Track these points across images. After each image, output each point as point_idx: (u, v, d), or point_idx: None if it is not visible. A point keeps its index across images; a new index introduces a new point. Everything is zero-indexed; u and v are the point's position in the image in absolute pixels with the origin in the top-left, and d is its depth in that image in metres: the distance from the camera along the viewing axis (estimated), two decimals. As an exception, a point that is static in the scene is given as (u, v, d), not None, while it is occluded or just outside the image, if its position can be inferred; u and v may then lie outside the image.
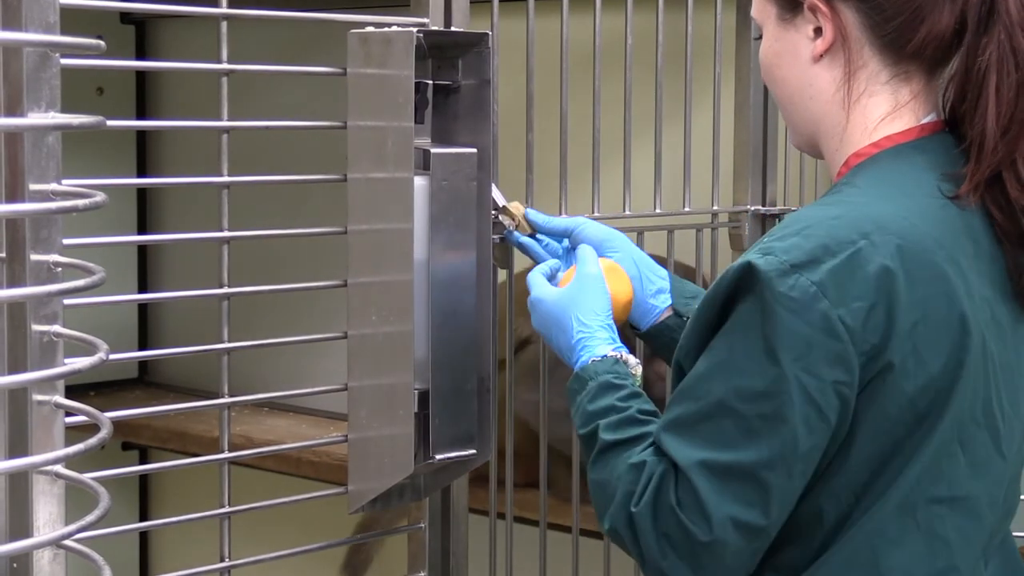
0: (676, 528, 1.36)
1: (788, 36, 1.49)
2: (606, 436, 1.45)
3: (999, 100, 1.39)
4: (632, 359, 1.55)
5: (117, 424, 1.07)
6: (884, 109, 1.46)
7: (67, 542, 0.99)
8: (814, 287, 1.32)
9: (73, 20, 1.12)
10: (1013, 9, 1.40)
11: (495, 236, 1.76)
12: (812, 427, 1.33)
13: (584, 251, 1.67)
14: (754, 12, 1.55)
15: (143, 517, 3.65)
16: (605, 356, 1.54)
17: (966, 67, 1.42)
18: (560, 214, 2.04)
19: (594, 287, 1.61)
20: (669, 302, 1.72)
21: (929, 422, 1.36)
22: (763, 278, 1.33)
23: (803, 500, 1.38)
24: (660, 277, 1.73)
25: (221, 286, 1.67)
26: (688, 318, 1.63)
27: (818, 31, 1.47)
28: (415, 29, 1.63)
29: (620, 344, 1.57)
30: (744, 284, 1.35)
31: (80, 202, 0.96)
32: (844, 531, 1.38)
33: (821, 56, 1.47)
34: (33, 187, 1.03)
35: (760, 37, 1.55)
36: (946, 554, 1.39)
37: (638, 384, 1.53)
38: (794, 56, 1.49)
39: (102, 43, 1.00)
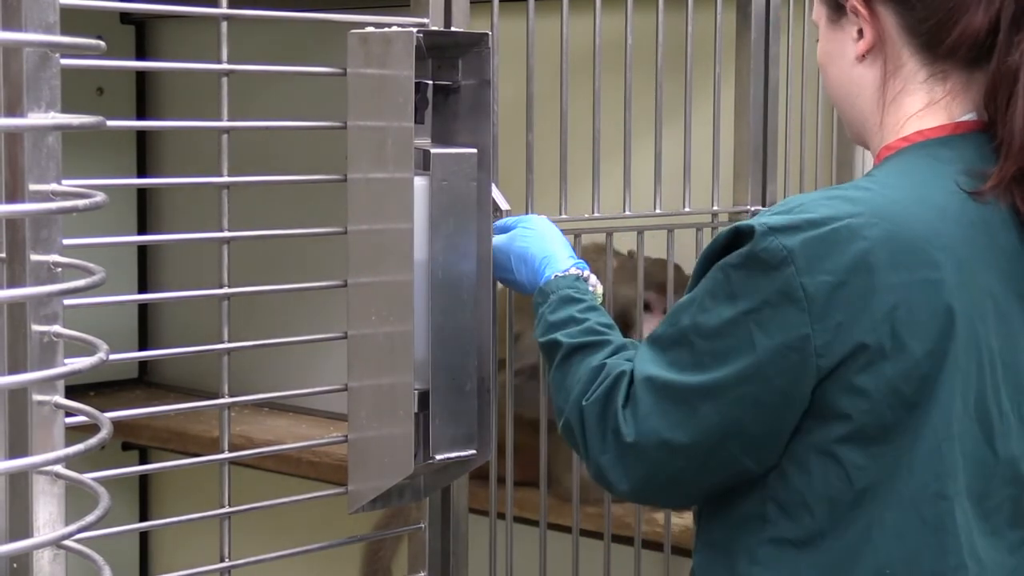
0: (614, 424, 1.47)
1: (836, 37, 1.55)
2: (566, 341, 1.57)
3: None
4: (593, 277, 1.69)
5: (117, 424, 1.07)
6: (917, 106, 1.50)
7: (67, 542, 0.99)
8: (784, 251, 1.37)
9: (73, 20, 1.12)
10: None
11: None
12: (749, 376, 1.40)
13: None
14: (814, 15, 1.61)
15: (143, 517, 3.65)
16: (567, 272, 1.68)
17: (997, 66, 1.45)
18: (560, 214, 2.04)
19: (547, 224, 1.78)
20: None
21: (920, 412, 1.38)
22: (744, 237, 1.41)
23: (786, 472, 1.42)
24: None
25: (221, 286, 1.67)
26: None
27: (861, 32, 1.52)
28: (415, 29, 1.63)
29: (581, 262, 1.71)
30: (730, 243, 1.43)
31: (80, 202, 0.96)
32: (842, 517, 1.40)
33: (863, 56, 1.52)
34: (33, 187, 1.02)
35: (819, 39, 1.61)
36: (957, 551, 1.40)
37: (599, 301, 1.66)
38: (841, 56, 1.55)
39: (102, 43, 1.00)
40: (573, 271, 1.68)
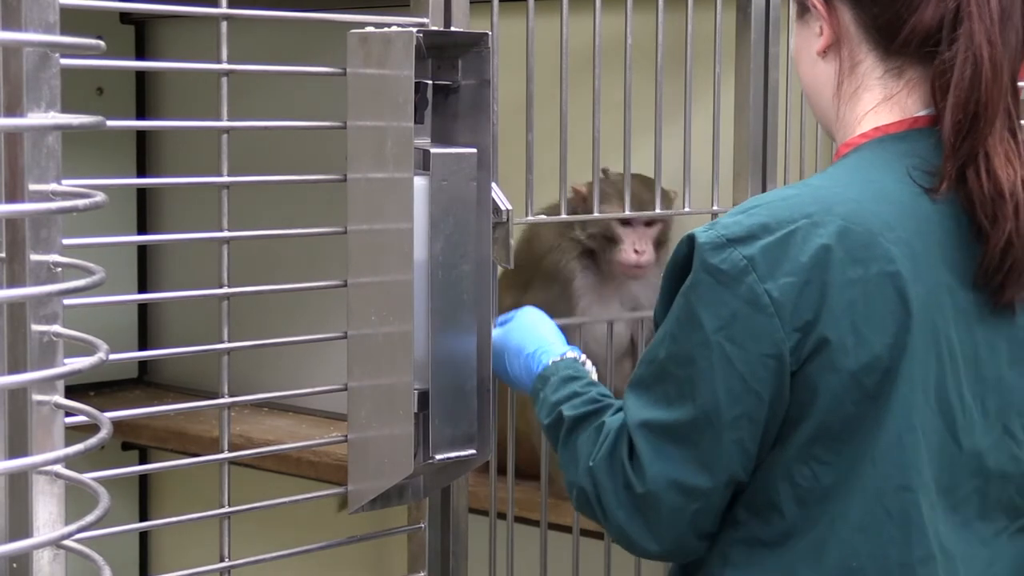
0: (624, 479, 1.43)
1: (803, 34, 1.57)
2: (569, 413, 1.54)
3: (958, 97, 1.42)
4: (588, 361, 1.67)
5: (117, 424, 1.07)
6: (873, 101, 1.50)
7: (67, 542, 0.99)
8: (744, 261, 1.37)
9: (73, 20, 1.12)
10: (975, 8, 1.43)
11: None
12: (736, 396, 1.38)
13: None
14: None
15: (143, 517, 3.65)
16: (564, 355, 1.67)
17: (937, 62, 1.45)
18: (560, 214, 2.04)
19: (538, 314, 1.78)
20: None
21: (881, 404, 1.38)
22: (699, 250, 1.40)
23: (758, 475, 1.41)
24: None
25: (221, 286, 1.67)
26: None
27: (822, 29, 1.52)
28: (415, 29, 1.63)
29: (575, 348, 1.70)
30: (688, 254, 1.42)
31: (80, 202, 0.96)
32: (809, 514, 1.40)
33: (824, 52, 1.53)
34: (33, 187, 1.02)
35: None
36: (923, 542, 1.40)
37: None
38: (807, 53, 1.56)
39: (102, 43, 1.00)
40: (570, 354, 1.67)
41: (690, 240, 1.41)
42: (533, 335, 1.73)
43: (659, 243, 2.47)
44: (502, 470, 2.12)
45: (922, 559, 1.40)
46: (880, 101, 1.49)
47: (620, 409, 1.51)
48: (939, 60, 1.44)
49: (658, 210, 2.16)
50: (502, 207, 1.77)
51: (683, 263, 1.43)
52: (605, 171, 2.25)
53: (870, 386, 1.38)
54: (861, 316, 1.37)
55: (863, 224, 1.39)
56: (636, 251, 2.40)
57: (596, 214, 2.08)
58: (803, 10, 1.55)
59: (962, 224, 1.44)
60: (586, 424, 1.52)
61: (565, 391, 1.59)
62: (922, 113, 1.48)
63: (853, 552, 1.40)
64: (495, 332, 1.75)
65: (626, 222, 2.41)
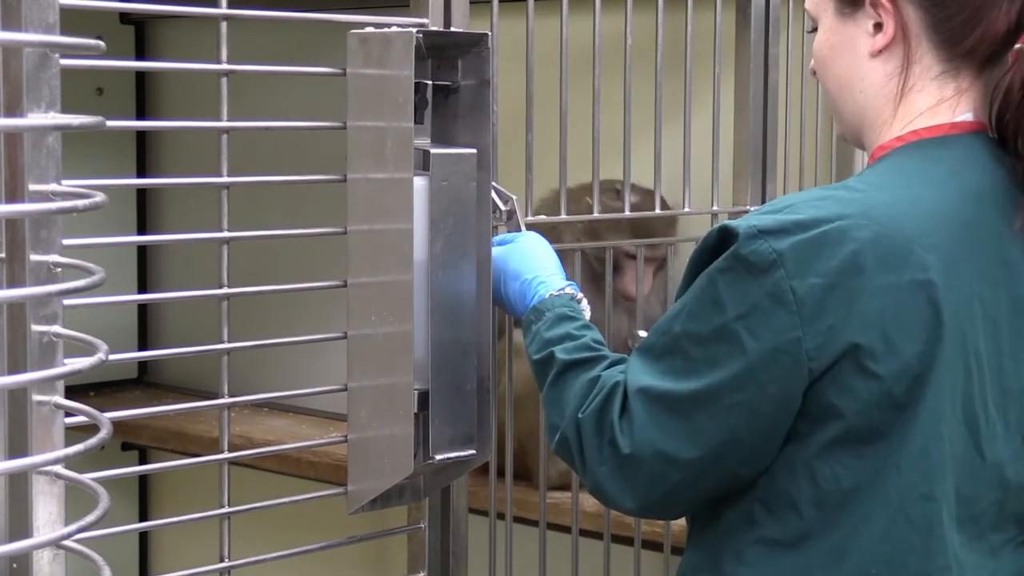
0: (611, 436, 1.45)
1: (846, 30, 1.53)
2: (563, 357, 1.56)
3: None
4: (584, 300, 1.68)
5: (117, 424, 1.07)
6: (927, 103, 1.49)
7: (67, 542, 0.99)
8: (774, 254, 1.37)
9: (73, 20, 1.12)
10: None
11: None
12: (740, 383, 1.38)
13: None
14: (809, 5, 1.58)
15: (143, 517, 3.65)
16: (563, 291, 1.67)
17: (1015, 69, 1.45)
18: (560, 214, 2.04)
19: (540, 241, 1.77)
20: None
21: (909, 412, 1.38)
22: (730, 238, 1.40)
23: (776, 473, 1.41)
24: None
25: (221, 286, 1.67)
26: None
27: (878, 26, 1.50)
28: (415, 29, 1.63)
29: (574, 284, 1.70)
30: (719, 244, 1.42)
31: (80, 202, 0.96)
32: (828, 517, 1.40)
33: (880, 51, 1.50)
34: (33, 187, 1.02)
35: (813, 30, 1.59)
36: (943, 552, 1.40)
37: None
38: (851, 50, 1.52)
39: (102, 43, 1.00)
40: (568, 291, 1.67)
41: (723, 229, 1.41)
42: (532, 261, 1.72)
43: (658, 268, 2.50)
44: (501, 472, 2.12)
45: (940, 569, 1.40)
46: (934, 104, 1.48)
47: (614, 363, 1.53)
48: (1018, 65, 1.44)
49: (657, 209, 2.16)
50: (502, 207, 1.77)
51: (712, 250, 1.43)
52: (618, 191, 2.25)
53: (899, 394, 1.37)
54: (891, 323, 1.36)
55: (898, 230, 1.38)
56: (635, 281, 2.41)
57: (596, 214, 2.08)
58: (851, 6, 1.51)
59: (1013, 238, 1.44)
60: (578, 371, 1.53)
61: (559, 330, 1.59)
62: (961, 119, 1.48)
63: (873, 559, 1.39)
64: (495, 251, 1.74)
65: (630, 255, 2.42)
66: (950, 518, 1.41)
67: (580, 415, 1.49)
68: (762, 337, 1.37)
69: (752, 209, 2.27)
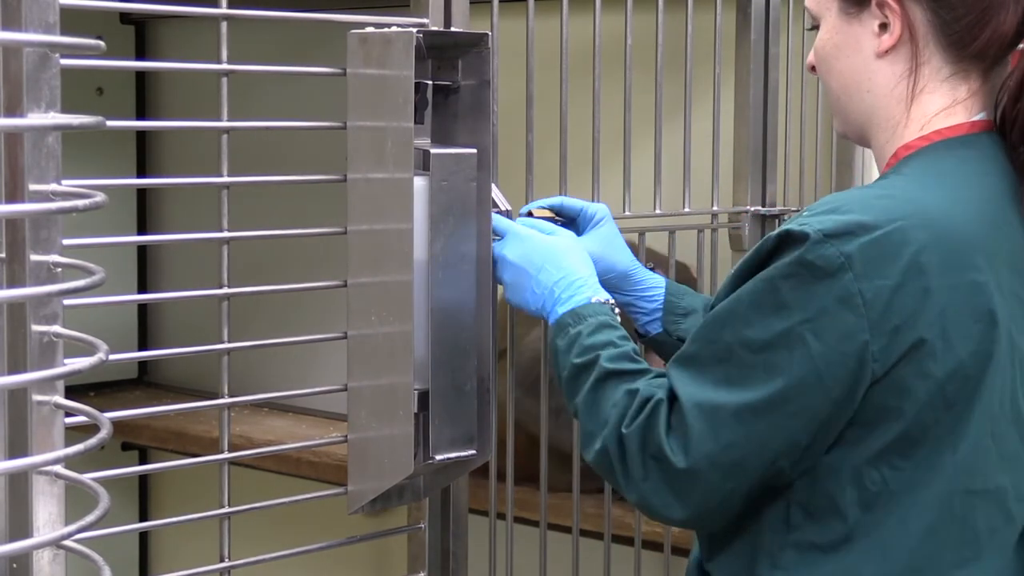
0: (659, 451, 1.42)
1: (851, 30, 1.52)
2: (607, 365, 1.52)
3: None
4: (618, 309, 1.65)
5: (117, 424, 1.07)
6: (940, 104, 1.49)
7: (67, 542, 0.99)
8: (842, 257, 1.35)
9: (73, 20, 1.12)
10: None
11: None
12: (806, 388, 1.37)
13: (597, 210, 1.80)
14: (810, 3, 1.57)
15: (143, 517, 3.65)
16: (605, 301, 1.63)
17: (1022, 69, 1.45)
18: (560, 214, 2.04)
19: (576, 242, 1.73)
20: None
21: (957, 411, 1.38)
22: (794, 244, 1.37)
23: (819, 478, 1.40)
24: (654, 286, 1.80)
25: (221, 286, 1.67)
26: (678, 337, 1.75)
27: (883, 27, 1.49)
28: (415, 29, 1.63)
29: (610, 293, 1.68)
30: (780, 250, 1.39)
31: (80, 202, 0.96)
32: (873, 519, 1.40)
33: (887, 52, 1.49)
34: (33, 187, 1.02)
35: (813, 28, 1.58)
36: (975, 545, 1.41)
37: None
38: (856, 50, 1.52)
39: (102, 43, 1.00)
40: (610, 301, 1.64)
41: (785, 234, 1.38)
42: (577, 262, 1.67)
43: None
44: (501, 476, 2.12)
45: (967, 560, 1.41)
46: (949, 105, 1.48)
47: (655, 376, 1.49)
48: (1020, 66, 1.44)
49: (657, 210, 2.16)
50: (502, 207, 1.77)
51: (767, 255, 1.40)
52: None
53: (951, 393, 1.37)
54: (952, 323, 1.36)
55: (955, 232, 1.38)
56: None
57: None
58: (856, 6, 1.50)
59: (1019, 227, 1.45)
60: (619, 381, 1.50)
61: (602, 337, 1.55)
62: (978, 118, 1.48)
63: (918, 553, 1.40)
64: (537, 232, 1.71)
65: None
66: (1003, 515, 1.42)
67: (624, 430, 1.45)
68: (829, 341, 1.35)
69: (751, 210, 2.28)
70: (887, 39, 1.49)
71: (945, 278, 1.37)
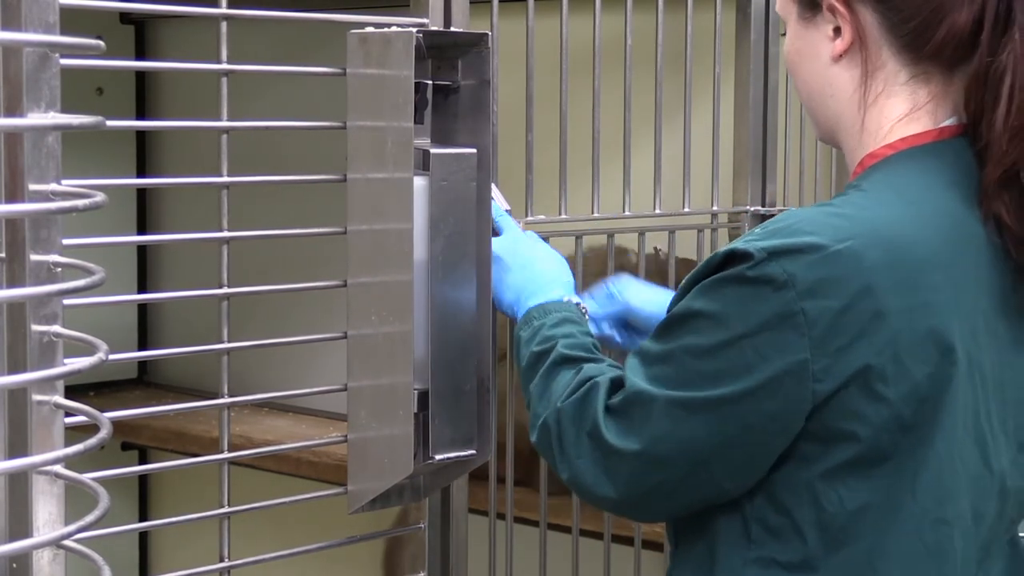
0: (594, 428, 1.43)
1: (808, 35, 1.50)
2: (563, 351, 1.54)
3: (1011, 102, 1.38)
4: (588, 316, 1.69)
5: (117, 424, 1.07)
6: (901, 110, 1.45)
7: (67, 542, 0.99)
8: (785, 275, 1.33)
9: (73, 20, 1.12)
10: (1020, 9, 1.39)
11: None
12: (738, 398, 1.36)
13: None
14: (778, 7, 1.56)
15: (143, 517, 3.65)
16: (578, 304, 1.67)
17: (981, 67, 1.40)
18: (560, 214, 2.04)
19: (555, 253, 1.76)
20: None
21: (919, 434, 1.36)
22: (738, 262, 1.36)
23: (774, 493, 1.39)
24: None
25: (221, 286, 1.67)
26: None
27: (837, 31, 1.47)
28: (415, 29, 1.63)
29: (583, 297, 1.72)
30: (723, 265, 1.38)
31: (80, 202, 0.96)
32: (834, 541, 1.38)
33: (840, 56, 1.47)
34: (33, 187, 1.02)
35: (783, 33, 1.57)
36: (950, 570, 1.39)
37: None
38: (814, 55, 1.50)
39: (102, 43, 1.00)
40: (582, 305, 1.67)
41: (730, 253, 1.37)
42: (549, 265, 1.72)
43: None
44: (501, 478, 2.12)
45: None
46: (910, 110, 1.45)
47: (608, 365, 1.51)
48: (984, 64, 1.40)
49: (657, 210, 2.16)
50: (502, 207, 1.77)
51: (715, 271, 1.39)
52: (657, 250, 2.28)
53: (907, 416, 1.35)
54: (904, 346, 1.34)
55: (909, 252, 1.35)
56: None
57: (596, 214, 2.08)
58: (810, 11, 1.49)
59: (992, 242, 1.41)
60: (570, 366, 1.52)
61: (564, 329, 1.59)
62: (948, 123, 1.45)
63: None
64: (535, 239, 1.76)
65: None
66: (967, 538, 1.40)
67: (560, 404, 1.47)
68: (769, 357, 1.34)
69: (751, 210, 2.28)
70: (839, 44, 1.46)
71: (898, 299, 1.34)
